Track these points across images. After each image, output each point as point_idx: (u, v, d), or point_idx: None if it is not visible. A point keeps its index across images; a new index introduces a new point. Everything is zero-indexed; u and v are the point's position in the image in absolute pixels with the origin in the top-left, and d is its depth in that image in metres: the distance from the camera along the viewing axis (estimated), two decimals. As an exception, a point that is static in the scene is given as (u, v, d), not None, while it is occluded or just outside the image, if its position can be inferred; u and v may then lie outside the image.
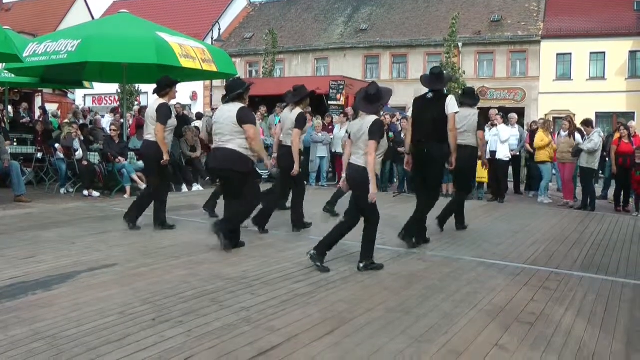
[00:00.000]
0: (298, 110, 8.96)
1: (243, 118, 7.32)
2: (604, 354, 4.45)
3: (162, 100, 8.72)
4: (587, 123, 13.35)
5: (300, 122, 8.82)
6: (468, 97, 9.82)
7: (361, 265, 6.67)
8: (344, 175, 6.92)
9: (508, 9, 39.06)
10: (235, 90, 7.52)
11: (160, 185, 8.89)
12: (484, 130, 10.35)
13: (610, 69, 35.23)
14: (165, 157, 8.54)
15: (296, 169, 8.79)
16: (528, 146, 15.15)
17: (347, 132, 6.95)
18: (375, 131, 6.41)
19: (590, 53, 35.51)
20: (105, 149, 13.29)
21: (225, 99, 7.62)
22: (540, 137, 14.30)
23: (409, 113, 8.73)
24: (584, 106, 32.35)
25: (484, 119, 10.71)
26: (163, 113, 8.51)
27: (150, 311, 4.98)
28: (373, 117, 6.56)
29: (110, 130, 13.71)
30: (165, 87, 8.83)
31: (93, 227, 8.96)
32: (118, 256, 7.03)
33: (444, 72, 8.51)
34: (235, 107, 7.40)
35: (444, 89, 8.38)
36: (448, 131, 7.91)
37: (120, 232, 8.59)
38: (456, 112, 7.99)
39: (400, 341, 4.51)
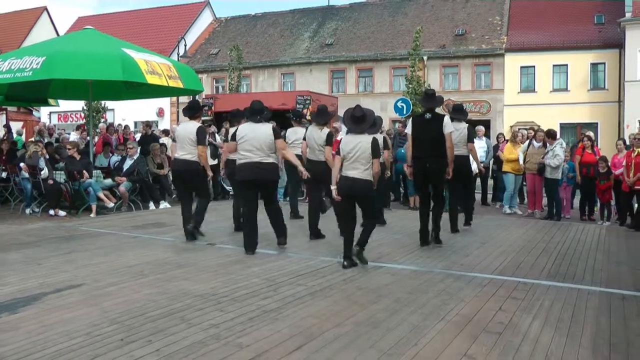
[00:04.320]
0: (327, 130, 9.99)
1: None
2: (570, 362, 4.51)
3: (197, 123, 9.45)
4: (550, 135, 13.47)
5: (331, 139, 9.85)
6: (458, 113, 10.87)
7: (356, 248, 7.64)
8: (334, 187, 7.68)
9: (472, 23, 39.53)
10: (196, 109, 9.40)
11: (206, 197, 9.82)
12: (473, 142, 11.00)
13: (572, 81, 35.79)
14: (209, 173, 9.49)
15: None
16: (501, 154, 15.11)
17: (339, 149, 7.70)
18: (377, 149, 7.52)
19: (553, 65, 36.04)
20: (68, 166, 13.10)
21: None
22: (509, 150, 14.44)
23: (408, 130, 9.65)
24: (548, 117, 32.94)
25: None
26: (204, 135, 9.34)
27: (118, 331, 4.93)
28: (370, 137, 7.56)
29: (67, 149, 13.52)
30: (198, 110, 9.70)
31: (59, 247, 8.85)
32: (85, 276, 6.95)
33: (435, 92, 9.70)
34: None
35: (438, 107, 9.52)
36: (446, 148, 9.05)
37: (87, 251, 8.50)
38: (451, 132, 9.13)
39: (370, 355, 4.53)
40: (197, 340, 4.75)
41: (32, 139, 16.08)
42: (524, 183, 14.73)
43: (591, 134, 14.98)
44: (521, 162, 13.83)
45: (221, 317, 5.36)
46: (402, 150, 13.47)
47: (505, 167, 14.47)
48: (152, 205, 14.01)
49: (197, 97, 17.17)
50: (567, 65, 35.81)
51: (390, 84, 39.04)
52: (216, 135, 15.94)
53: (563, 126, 34.18)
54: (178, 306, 5.70)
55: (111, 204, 13.16)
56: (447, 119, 9.20)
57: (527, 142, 14.08)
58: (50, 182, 12.76)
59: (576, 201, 14.51)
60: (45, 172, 12.84)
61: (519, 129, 17.28)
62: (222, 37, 46.89)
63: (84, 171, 12.94)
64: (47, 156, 13.52)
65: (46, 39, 17.35)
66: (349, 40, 41.61)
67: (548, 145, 13.30)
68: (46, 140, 16.27)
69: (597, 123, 34.42)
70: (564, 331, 5.21)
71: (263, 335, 4.90)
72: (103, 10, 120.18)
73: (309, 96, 20.00)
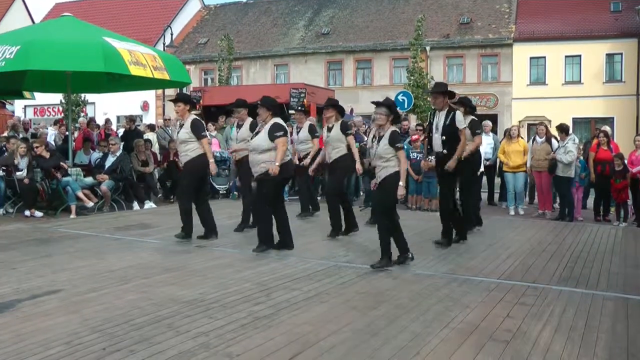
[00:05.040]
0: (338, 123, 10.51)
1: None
2: (583, 372, 4.52)
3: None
4: (562, 129, 13.44)
5: (349, 128, 10.59)
6: (466, 106, 10.83)
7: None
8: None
9: (478, 10, 39.58)
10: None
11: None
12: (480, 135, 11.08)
13: (586, 73, 35.83)
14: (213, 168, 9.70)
15: (359, 167, 10.55)
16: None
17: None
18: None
19: (565, 56, 36.10)
20: (40, 164, 13.04)
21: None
22: (501, 149, 14.46)
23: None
24: (560, 112, 32.74)
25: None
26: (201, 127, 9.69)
27: (100, 340, 4.93)
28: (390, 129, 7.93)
29: (35, 147, 13.38)
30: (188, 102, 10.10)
31: (36, 251, 8.83)
32: (64, 281, 6.94)
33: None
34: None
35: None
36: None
37: (66, 255, 8.49)
38: (464, 127, 9.42)
39: (369, 364, 4.53)
40: (184, 349, 4.75)
41: (5, 134, 16.02)
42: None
43: (607, 128, 14.98)
44: (529, 162, 13.83)
45: (210, 325, 5.36)
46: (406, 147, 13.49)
47: (504, 166, 14.50)
48: (136, 205, 14.00)
49: (184, 89, 17.19)
50: (580, 55, 35.85)
51: (391, 76, 39.07)
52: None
53: (576, 121, 34.11)
54: (164, 313, 5.69)
55: (91, 204, 13.13)
56: (459, 114, 9.45)
57: (532, 139, 14.12)
58: (27, 181, 12.69)
59: (590, 201, 14.50)
60: (22, 173, 12.72)
61: (522, 124, 17.26)
62: (211, 26, 46.86)
63: (62, 165, 12.90)
64: (34, 154, 13.30)
65: (20, 27, 17.22)
66: (347, 29, 41.61)
67: (560, 141, 13.30)
68: (21, 136, 16.23)
69: (613, 118, 34.45)
70: (577, 340, 5.22)
71: (255, 344, 4.90)
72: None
73: (304, 89, 20.05)
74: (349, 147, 10.34)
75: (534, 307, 6.16)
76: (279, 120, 8.81)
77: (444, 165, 9.18)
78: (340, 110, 10.69)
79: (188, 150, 9.47)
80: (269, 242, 8.80)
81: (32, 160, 12.94)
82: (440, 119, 9.29)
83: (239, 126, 10.57)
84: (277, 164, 8.44)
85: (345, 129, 10.36)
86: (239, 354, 4.68)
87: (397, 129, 8.34)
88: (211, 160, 9.52)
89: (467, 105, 10.68)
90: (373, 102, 8.23)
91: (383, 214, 8.01)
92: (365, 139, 15.57)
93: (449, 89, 9.64)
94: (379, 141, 7.92)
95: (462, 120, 9.32)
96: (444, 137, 9.18)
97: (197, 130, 9.46)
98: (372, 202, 10.29)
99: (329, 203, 10.22)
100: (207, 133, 10.59)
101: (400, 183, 7.75)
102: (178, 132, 9.75)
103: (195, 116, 9.82)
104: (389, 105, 8.03)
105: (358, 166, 10.47)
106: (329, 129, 10.42)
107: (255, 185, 9.21)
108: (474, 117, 10.58)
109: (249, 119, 10.37)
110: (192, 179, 9.60)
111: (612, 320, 5.84)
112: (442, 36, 38.38)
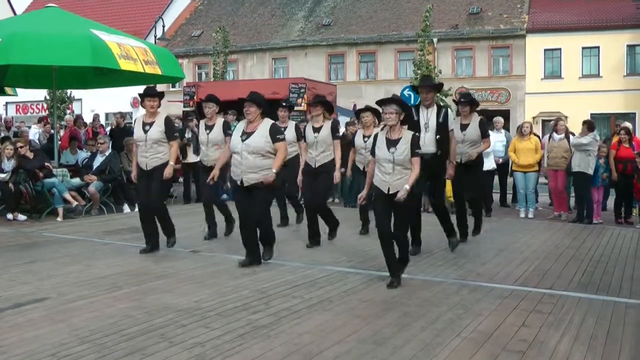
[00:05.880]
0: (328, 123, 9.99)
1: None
2: (604, 384, 4.52)
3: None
4: (589, 125, 13.25)
5: (339, 130, 10.24)
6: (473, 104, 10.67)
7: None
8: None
9: (488, -1, 39.58)
10: None
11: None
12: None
13: (605, 66, 35.64)
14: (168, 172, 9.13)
15: (337, 175, 10.00)
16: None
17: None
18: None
19: (583, 48, 35.95)
20: (24, 165, 13.02)
21: None
22: (512, 147, 14.41)
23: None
24: (577, 107, 32.68)
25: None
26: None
27: (89, 351, 4.93)
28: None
29: (19, 147, 13.28)
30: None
31: (19, 256, 8.84)
32: (50, 289, 6.94)
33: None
34: None
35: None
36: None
37: (51, 260, 8.49)
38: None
39: (376, 376, 4.53)
40: (179, 360, 4.76)
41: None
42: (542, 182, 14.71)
43: (628, 124, 14.93)
44: (545, 160, 13.80)
45: (207, 335, 5.36)
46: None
47: (513, 165, 14.47)
48: (126, 208, 14.00)
49: (177, 84, 17.16)
50: (598, 47, 35.71)
51: (396, 70, 39.03)
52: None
53: (594, 117, 33.55)
54: (158, 322, 5.70)
55: (75, 203, 13.09)
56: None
57: (547, 136, 14.08)
58: (12, 186, 12.63)
59: (610, 202, 14.45)
60: (6, 176, 12.67)
61: (535, 120, 17.23)
62: (205, 17, 46.84)
63: (47, 166, 12.91)
64: (24, 155, 13.27)
65: (1, 19, 17.25)
66: (349, 20, 41.59)
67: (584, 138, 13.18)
68: (2, 135, 16.23)
69: (634, 113, 34.30)
70: (598, 350, 5.22)
71: (254, 355, 4.90)
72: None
73: (304, 84, 20.02)
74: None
75: (551, 316, 6.15)
76: (273, 121, 8.35)
77: (436, 166, 8.91)
78: (329, 108, 10.18)
79: (161, 153, 9.01)
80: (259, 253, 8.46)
81: (17, 163, 12.90)
82: (430, 117, 8.98)
83: (208, 127, 10.09)
84: (274, 171, 7.99)
85: (335, 130, 9.85)
86: (237, 365, 4.69)
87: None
88: (171, 163, 9.01)
89: (474, 103, 10.47)
90: (378, 102, 7.77)
91: (405, 235, 7.67)
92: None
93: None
94: (393, 145, 7.26)
95: (452, 120, 9.22)
96: (438, 137, 8.90)
97: (170, 130, 9.08)
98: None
99: (308, 213, 9.84)
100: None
101: (406, 186, 7.16)
102: (148, 130, 9.04)
103: (167, 115, 9.38)
104: (399, 101, 7.53)
105: (337, 174, 9.90)
106: (316, 129, 9.77)
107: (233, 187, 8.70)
108: (482, 117, 10.36)
109: (220, 119, 10.10)
110: (166, 186, 9.41)
111: (636, 329, 5.83)
112: (450, 27, 38.32)
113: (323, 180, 9.78)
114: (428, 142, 8.81)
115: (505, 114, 31.46)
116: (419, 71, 31.53)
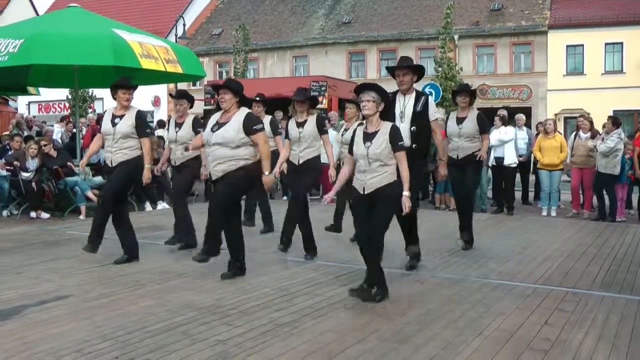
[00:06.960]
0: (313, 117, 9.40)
1: None
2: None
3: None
4: (614, 121, 13.14)
5: (325, 125, 9.70)
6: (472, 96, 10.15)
7: None
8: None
9: (510, -5, 39.36)
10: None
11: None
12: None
13: (629, 62, 35.37)
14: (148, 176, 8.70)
15: (332, 172, 9.22)
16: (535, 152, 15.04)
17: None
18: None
19: (605, 44, 35.75)
20: (48, 163, 13.13)
21: None
22: (537, 145, 14.32)
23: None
24: (600, 104, 32.41)
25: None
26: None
27: (112, 348, 4.96)
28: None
29: (42, 145, 13.43)
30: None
31: (42, 254, 8.91)
32: (73, 286, 7.00)
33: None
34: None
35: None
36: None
37: (75, 258, 8.52)
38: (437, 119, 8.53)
39: (398, 374, 4.53)
40: (202, 358, 4.78)
41: (7, 133, 16.13)
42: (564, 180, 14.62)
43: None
44: (569, 158, 13.71)
45: (229, 332, 5.38)
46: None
47: (538, 163, 14.39)
48: (148, 206, 14.08)
49: (198, 83, 17.18)
50: (622, 43, 35.47)
51: (417, 67, 38.84)
52: None
53: (617, 114, 33.44)
54: (180, 320, 5.72)
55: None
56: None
57: (573, 133, 13.99)
58: (34, 184, 12.75)
59: (635, 199, 14.33)
60: (30, 175, 12.79)
61: (557, 117, 17.13)
62: (226, 16, 46.98)
63: (69, 165, 13.00)
64: (49, 153, 13.35)
65: (24, 19, 17.35)
66: (370, 17, 41.55)
67: (604, 133, 13.07)
68: (25, 134, 16.35)
69: (658, 111, 34.03)
70: (622, 349, 5.18)
71: (276, 353, 4.91)
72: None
73: (325, 82, 19.98)
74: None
75: (574, 314, 6.12)
76: (249, 110, 7.66)
77: (410, 162, 6.91)
78: (314, 103, 9.41)
79: (127, 148, 8.27)
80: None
81: (41, 162, 13.02)
82: (406, 104, 8.06)
83: (178, 125, 9.45)
84: (266, 173, 7.45)
85: (322, 125, 9.15)
86: (259, 363, 4.70)
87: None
88: (148, 165, 8.35)
89: (474, 95, 9.96)
90: (356, 88, 7.04)
91: (380, 239, 6.61)
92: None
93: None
94: (369, 139, 6.54)
95: (435, 109, 8.38)
96: (413, 128, 7.93)
97: (143, 126, 8.42)
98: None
99: (289, 211, 9.09)
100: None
101: (405, 193, 6.50)
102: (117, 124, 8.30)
103: (139, 109, 8.69)
104: (378, 89, 6.65)
105: (332, 171, 9.10)
106: (300, 124, 8.99)
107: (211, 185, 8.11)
108: (480, 112, 9.81)
109: (191, 116, 9.53)
110: (125, 186, 8.69)
111: (660, 328, 5.78)
112: (471, 24, 38.21)
113: (307, 178, 9.05)
114: (403, 135, 7.31)
115: (527, 111, 31.27)
116: (440, 68, 31.41)
